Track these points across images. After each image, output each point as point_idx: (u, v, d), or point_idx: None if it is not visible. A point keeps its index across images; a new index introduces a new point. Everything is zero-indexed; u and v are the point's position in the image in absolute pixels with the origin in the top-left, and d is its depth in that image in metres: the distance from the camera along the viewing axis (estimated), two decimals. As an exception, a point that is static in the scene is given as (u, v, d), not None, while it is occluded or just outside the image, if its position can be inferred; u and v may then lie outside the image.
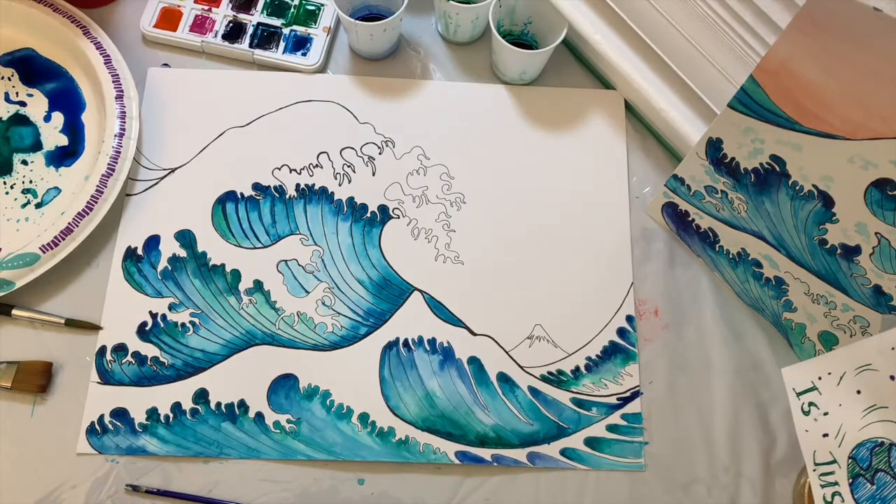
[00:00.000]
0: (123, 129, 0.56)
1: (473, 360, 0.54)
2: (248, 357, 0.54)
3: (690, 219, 0.55)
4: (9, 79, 0.60)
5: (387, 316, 0.55)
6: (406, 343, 0.54)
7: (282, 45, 0.62)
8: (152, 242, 0.56)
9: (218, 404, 0.52)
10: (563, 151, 0.61)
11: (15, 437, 0.51)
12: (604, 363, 0.55)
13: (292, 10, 0.63)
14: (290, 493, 0.50)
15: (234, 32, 0.62)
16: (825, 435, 0.44)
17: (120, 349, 0.53)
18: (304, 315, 0.55)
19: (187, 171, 0.58)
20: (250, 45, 0.62)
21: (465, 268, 0.57)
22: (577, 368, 0.54)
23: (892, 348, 0.41)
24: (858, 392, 0.43)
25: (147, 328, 0.54)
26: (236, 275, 0.56)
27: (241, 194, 0.58)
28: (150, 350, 0.53)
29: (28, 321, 0.53)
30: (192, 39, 0.62)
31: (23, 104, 0.59)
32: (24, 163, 0.57)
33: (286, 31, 0.62)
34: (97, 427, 0.51)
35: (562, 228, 0.58)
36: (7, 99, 0.59)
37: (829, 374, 0.44)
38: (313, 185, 0.58)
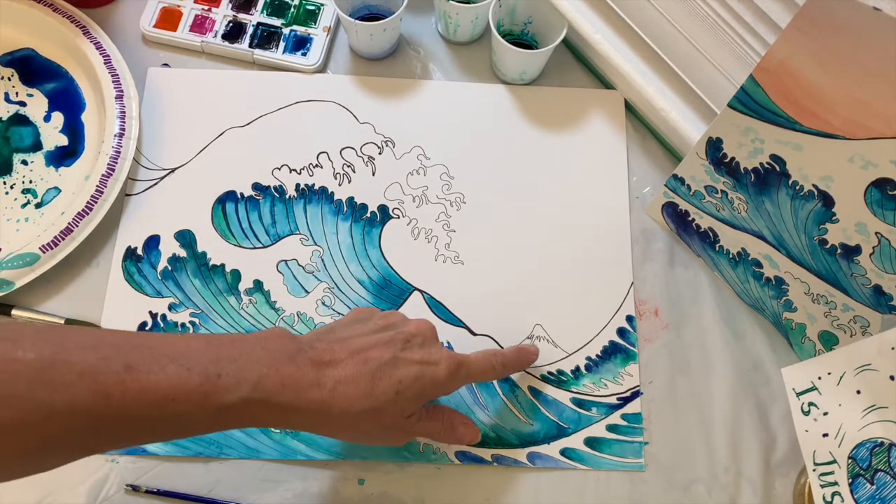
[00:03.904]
0: (123, 129, 0.56)
1: (473, 360, 0.54)
2: (248, 357, 0.53)
3: (690, 219, 0.55)
4: (9, 79, 0.60)
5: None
6: (406, 343, 0.54)
7: (282, 45, 0.62)
8: (152, 242, 0.56)
9: (218, 404, 0.52)
10: (563, 151, 0.61)
11: (15, 437, 0.51)
12: (604, 363, 0.55)
13: (292, 10, 0.63)
14: (290, 493, 0.50)
15: (234, 32, 0.62)
16: (825, 435, 0.44)
17: (120, 349, 0.53)
18: (304, 315, 0.55)
19: (187, 171, 0.58)
20: (250, 45, 0.62)
21: (465, 268, 0.57)
22: (577, 368, 0.54)
23: (892, 348, 0.41)
24: (858, 392, 0.43)
25: (147, 328, 0.54)
26: (236, 275, 0.56)
27: (241, 194, 0.58)
28: (150, 350, 0.53)
29: (28, 321, 0.53)
30: (192, 39, 0.62)
31: (23, 104, 0.59)
32: (24, 163, 0.57)
33: (286, 31, 0.62)
34: (97, 427, 0.51)
35: (562, 228, 0.58)
36: (7, 99, 0.59)
37: (829, 374, 0.44)
38: (313, 185, 0.58)
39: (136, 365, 0.34)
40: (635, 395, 0.54)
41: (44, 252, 0.52)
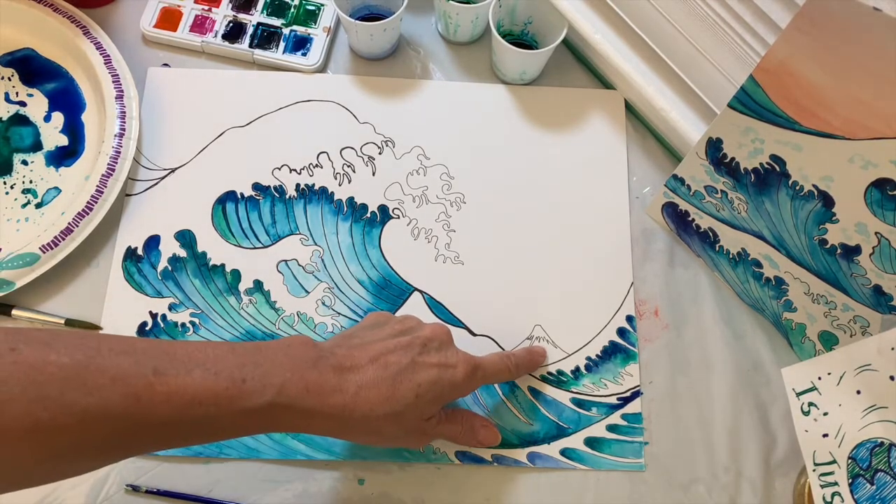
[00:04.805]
0: (123, 129, 0.56)
1: (473, 360, 0.54)
2: (248, 357, 0.53)
3: (690, 219, 0.55)
4: (9, 79, 0.60)
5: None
6: (406, 343, 0.54)
7: (282, 45, 0.62)
8: (152, 242, 0.56)
9: (218, 404, 0.52)
10: (563, 151, 0.61)
11: (15, 437, 0.51)
12: (604, 363, 0.55)
13: (292, 10, 0.63)
14: (290, 493, 0.50)
15: (234, 32, 0.62)
16: (825, 435, 0.44)
17: (120, 349, 0.53)
18: (304, 315, 0.55)
19: (187, 171, 0.58)
20: (250, 45, 0.62)
21: (465, 268, 0.57)
22: (577, 368, 0.54)
23: (892, 348, 0.41)
24: (858, 392, 0.43)
25: (147, 328, 0.54)
26: (236, 275, 0.56)
27: (241, 194, 0.58)
28: (150, 350, 0.53)
29: (28, 321, 0.53)
30: (192, 39, 0.62)
31: (23, 104, 0.59)
32: (24, 163, 0.57)
33: (286, 31, 0.62)
34: (97, 427, 0.51)
35: (562, 228, 0.58)
36: (7, 99, 0.59)
37: (829, 374, 0.44)
38: (313, 185, 0.58)
39: (165, 370, 0.35)
40: (635, 395, 0.54)
41: (44, 252, 0.52)
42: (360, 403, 0.40)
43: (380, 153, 0.60)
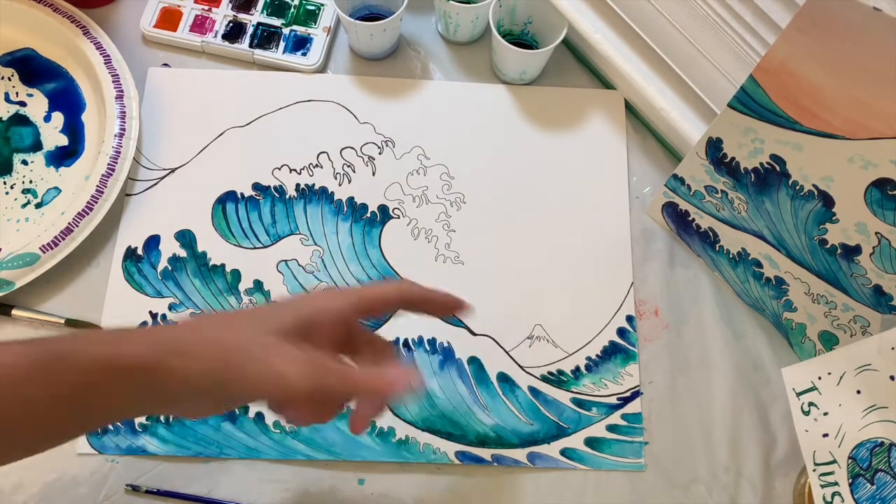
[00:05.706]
0: (123, 129, 0.56)
1: (473, 360, 0.54)
2: (248, 357, 0.53)
3: (690, 219, 0.55)
4: (9, 79, 0.60)
5: (386, 316, 0.55)
6: (406, 343, 0.54)
7: (282, 45, 0.62)
8: (152, 242, 0.56)
9: (218, 404, 0.52)
10: (563, 151, 0.61)
11: (15, 437, 0.51)
12: (604, 363, 0.55)
13: (292, 10, 0.63)
14: (290, 493, 0.50)
15: (234, 32, 0.62)
16: (825, 435, 0.44)
17: (120, 349, 0.53)
18: (304, 315, 0.55)
19: (187, 171, 0.58)
20: (250, 45, 0.62)
21: (465, 268, 0.57)
22: (577, 368, 0.54)
23: (892, 348, 0.41)
24: (858, 392, 0.43)
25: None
26: (236, 275, 0.56)
27: (241, 194, 0.58)
28: (150, 350, 0.53)
29: (28, 321, 0.53)
30: (192, 39, 0.62)
31: (23, 104, 0.59)
32: (24, 163, 0.57)
33: (286, 31, 0.62)
34: (97, 427, 0.51)
35: (562, 228, 0.58)
36: (7, 99, 0.59)
37: (829, 374, 0.44)
38: (313, 185, 0.58)
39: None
40: (635, 395, 0.54)
41: (44, 252, 0.52)
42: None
43: (380, 153, 0.60)
